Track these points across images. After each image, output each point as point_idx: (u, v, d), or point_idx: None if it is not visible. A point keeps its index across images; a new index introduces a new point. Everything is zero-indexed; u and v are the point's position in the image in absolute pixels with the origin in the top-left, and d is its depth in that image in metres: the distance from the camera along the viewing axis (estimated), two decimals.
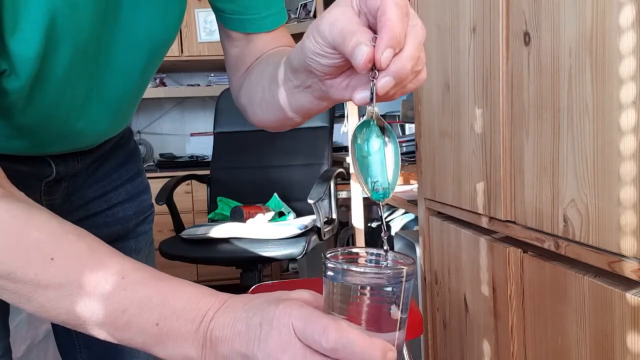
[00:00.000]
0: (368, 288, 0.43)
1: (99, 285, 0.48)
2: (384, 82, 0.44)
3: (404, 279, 0.43)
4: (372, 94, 0.45)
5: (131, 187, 0.87)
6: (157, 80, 3.67)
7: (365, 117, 0.47)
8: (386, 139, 0.47)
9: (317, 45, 0.47)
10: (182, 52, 3.48)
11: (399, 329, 0.45)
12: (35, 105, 0.61)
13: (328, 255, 0.45)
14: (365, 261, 0.48)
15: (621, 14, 0.62)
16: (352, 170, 2.32)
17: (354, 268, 0.44)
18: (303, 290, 0.48)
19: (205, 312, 0.47)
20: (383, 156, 0.46)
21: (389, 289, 0.43)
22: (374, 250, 0.48)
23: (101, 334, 0.49)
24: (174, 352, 0.47)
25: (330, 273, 0.44)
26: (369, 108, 0.47)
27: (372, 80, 0.45)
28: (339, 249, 0.48)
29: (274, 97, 0.61)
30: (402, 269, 0.44)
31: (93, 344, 0.88)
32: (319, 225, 2.20)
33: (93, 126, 0.71)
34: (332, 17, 0.45)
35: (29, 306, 0.49)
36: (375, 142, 0.46)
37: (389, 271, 0.44)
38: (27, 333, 1.55)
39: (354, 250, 0.49)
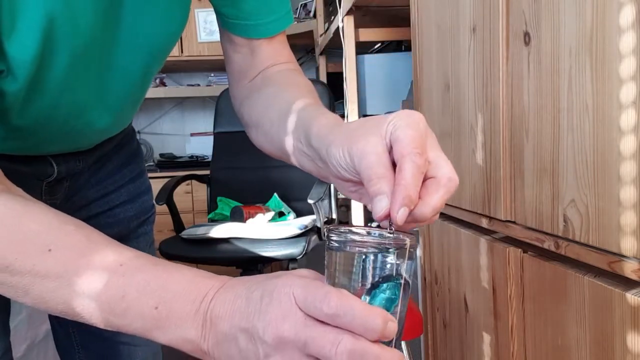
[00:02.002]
0: (370, 257, 0.44)
1: (97, 273, 0.47)
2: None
3: (407, 248, 0.44)
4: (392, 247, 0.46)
5: (133, 188, 0.87)
6: (157, 80, 3.67)
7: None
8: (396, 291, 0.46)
9: (344, 160, 0.48)
10: (182, 52, 3.48)
11: (401, 304, 0.44)
12: (33, 107, 0.61)
13: (331, 228, 0.45)
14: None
15: (621, 14, 0.62)
16: None
17: (356, 237, 0.44)
18: (303, 269, 0.48)
19: (206, 293, 0.47)
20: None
21: (391, 258, 0.44)
22: (377, 230, 0.48)
23: (100, 323, 0.49)
24: (173, 335, 0.47)
25: (333, 244, 0.44)
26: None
27: (390, 235, 0.46)
28: (342, 227, 0.48)
29: (280, 141, 0.60)
30: (405, 238, 0.44)
31: (91, 344, 0.88)
32: (319, 225, 2.20)
33: (93, 127, 0.71)
34: (366, 148, 0.47)
35: (27, 299, 0.49)
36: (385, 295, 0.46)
37: (392, 236, 0.45)
38: (27, 333, 1.55)
39: (356, 230, 0.49)
